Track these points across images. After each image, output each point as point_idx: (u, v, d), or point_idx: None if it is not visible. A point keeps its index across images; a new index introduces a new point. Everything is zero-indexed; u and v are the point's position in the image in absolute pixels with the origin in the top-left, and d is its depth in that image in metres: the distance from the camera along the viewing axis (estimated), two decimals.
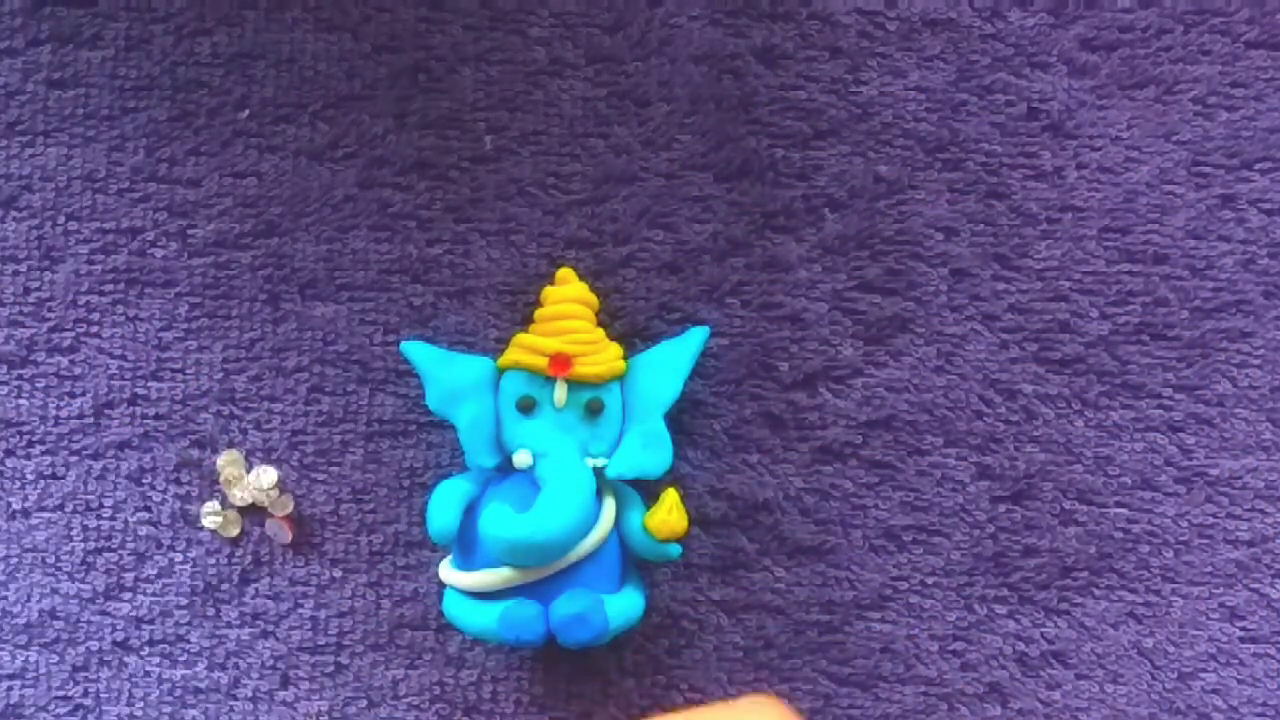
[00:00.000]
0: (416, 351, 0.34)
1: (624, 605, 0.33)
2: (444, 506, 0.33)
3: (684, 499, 0.33)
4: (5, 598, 0.37)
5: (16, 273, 0.36)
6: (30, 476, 0.36)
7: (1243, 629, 0.36)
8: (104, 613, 0.37)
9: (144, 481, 0.36)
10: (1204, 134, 0.37)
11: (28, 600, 0.37)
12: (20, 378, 0.36)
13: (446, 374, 0.33)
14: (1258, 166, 0.37)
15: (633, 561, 0.35)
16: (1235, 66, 0.37)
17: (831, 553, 0.36)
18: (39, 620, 0.37)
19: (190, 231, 0.36)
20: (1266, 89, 0.37)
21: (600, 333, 0.34)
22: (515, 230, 0.36)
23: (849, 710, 0.36)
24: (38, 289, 0.36)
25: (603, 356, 0.34)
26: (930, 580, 0.36)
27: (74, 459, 0.36)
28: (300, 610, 0.36)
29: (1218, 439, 0.37)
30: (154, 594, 0.37)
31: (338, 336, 0.36)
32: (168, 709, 0.36)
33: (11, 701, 0.37)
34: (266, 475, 0.36)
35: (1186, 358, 0.37)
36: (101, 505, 0.36)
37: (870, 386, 0.36)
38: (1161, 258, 0.37)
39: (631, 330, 0.36)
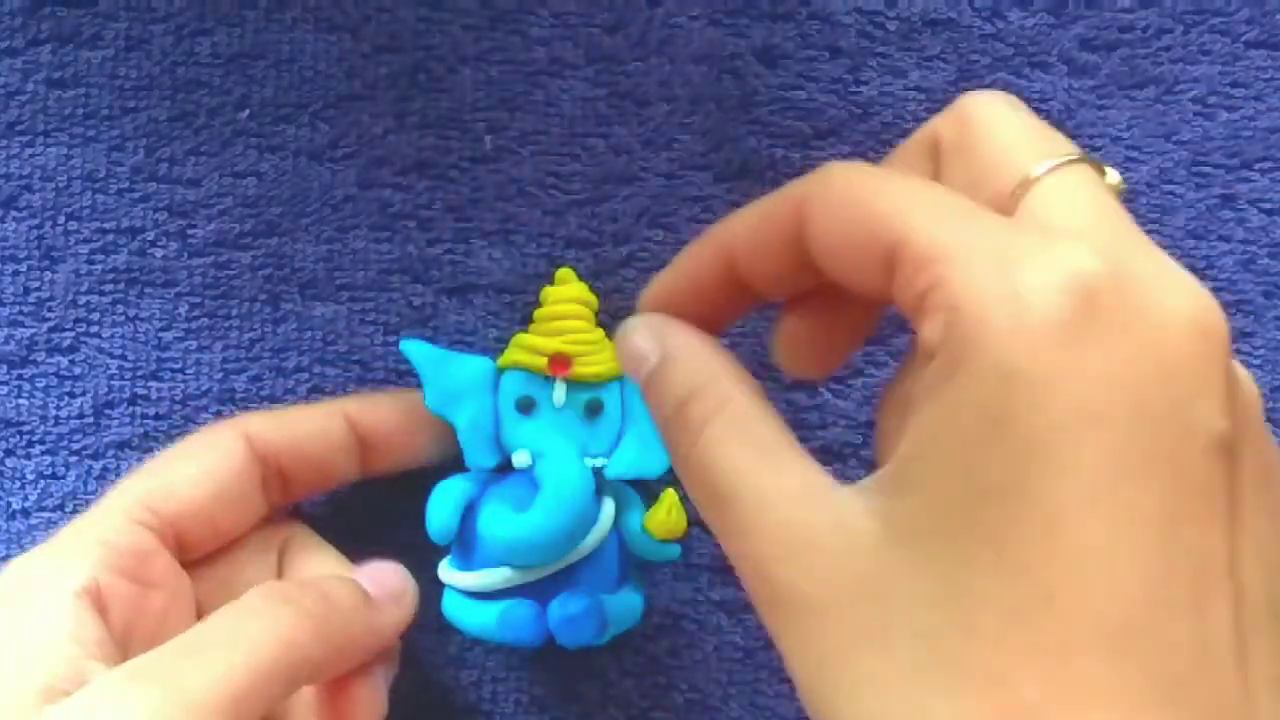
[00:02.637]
0: (416, 351, 0.33)
1: (623, 605, 0.33)
2: (443, 506, 0.33)
3: (684, 499, 0.33)
4: None
5: (16, 273, 0.36)
6: (30, 476, 0.36)
7: None
8: None
9: None
10: (1204, 134, 0.37)
11: None
12: (20, 378, 0.36)
13: (446, 374, 0.33)
14: (1258, 166, 0.37)
15: (632, 562, 0.34)
16: (1235, 66, 0.37)
17: None
18: None
19: (190, 231, 0.36)
20: (1266, 89, 0.37)
21: (600, 333, 0.34)
22: (515, 230, 0.36)
23: None
24: (38, 289, 0.36)
25: (602, 356, 0.34)
26: None
27: (74, 459, 0.36)
28: None
29: None
30: None
31: (338, 336, 0.36)
32: None
33: None
34: None
35: None
36: None
37: (870, 386, 0.36)
38: None
39: None
